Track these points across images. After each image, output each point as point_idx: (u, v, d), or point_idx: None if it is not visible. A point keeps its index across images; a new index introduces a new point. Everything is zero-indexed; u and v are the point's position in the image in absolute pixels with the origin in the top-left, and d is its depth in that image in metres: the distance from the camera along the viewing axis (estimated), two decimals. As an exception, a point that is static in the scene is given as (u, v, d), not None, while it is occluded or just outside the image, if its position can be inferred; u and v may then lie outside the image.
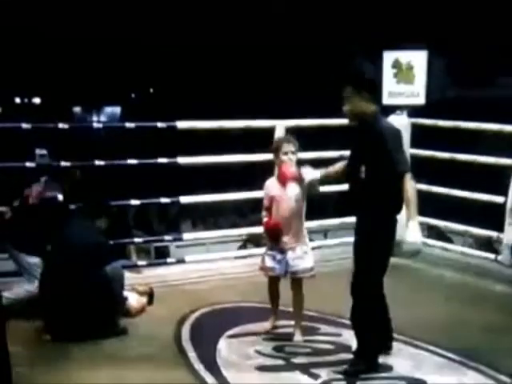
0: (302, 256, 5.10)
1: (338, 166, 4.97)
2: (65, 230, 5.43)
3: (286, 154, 5.11)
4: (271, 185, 5.26)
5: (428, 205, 5.85)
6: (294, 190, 5.10)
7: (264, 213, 5.25)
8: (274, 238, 5.16)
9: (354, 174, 4.60)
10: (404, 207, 4.41)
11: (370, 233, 4.56)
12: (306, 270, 5.12)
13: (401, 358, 4.85)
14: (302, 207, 5.18)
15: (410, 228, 4.27)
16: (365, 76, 4.69)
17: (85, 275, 5.18)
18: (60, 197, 5.51)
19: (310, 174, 5.00)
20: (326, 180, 5.11)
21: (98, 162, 6.61)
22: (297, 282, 5.18)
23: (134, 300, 5.79)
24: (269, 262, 5.19)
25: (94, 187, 6.96)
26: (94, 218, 5.55)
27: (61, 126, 6.49)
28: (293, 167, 5.11)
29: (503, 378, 4.62)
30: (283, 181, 5.13)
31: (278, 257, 5.12)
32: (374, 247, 4.56)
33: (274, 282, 5.29)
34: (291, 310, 5.29)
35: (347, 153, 4.89)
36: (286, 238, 5.09)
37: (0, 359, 3.89)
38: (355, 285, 4.62)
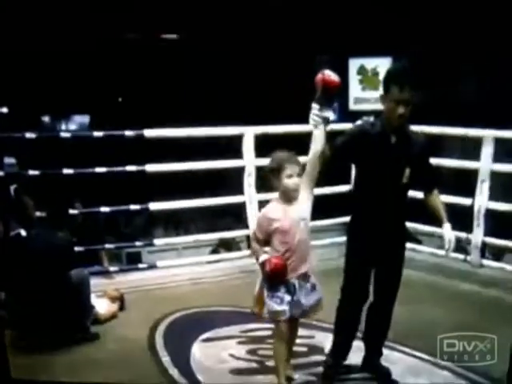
0: (313, 289, 4.36)
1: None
2: (26, 238, 5.39)
3: (290, 176, 4.19)
4: (273, 211, 4.29)
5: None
6: (299, 210, 4.26)
7: (257, 246, 4.34)
8: (278, 280, 4.25)
9: (395, 177, 4.39)
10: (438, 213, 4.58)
11: (403, 239, 4.67)
12: (319, 302, 4.43)
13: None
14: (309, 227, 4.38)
15: (448, 228, 4.48)
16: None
17: (48, 281, 5.17)
18: (23, 232, 5.41)
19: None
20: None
21: (66, 171, 6.60)
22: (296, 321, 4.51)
23: (102, 307, 5.78)
24: (276, 306, 4.28)
25: (56, 197, 6.94)
26: (55, 229, 5.52)
27: (28, 135, 6.47)
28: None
29: (475, 377, 4.68)
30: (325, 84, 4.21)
31: (287, 298, 4.26)
32: (404, 249, 4.71)
33: (284, 331, 4.38)
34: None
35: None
36: (293, 274, 4.26)
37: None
38: (393, 291, 4.69)
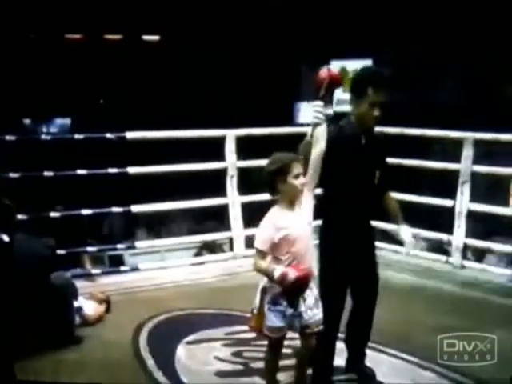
0: (316, 303, 4.00)
1: None
2: (8, 243, 5.34)
3: (297, 176, 3.84)
4: (277, 218, 3.88)
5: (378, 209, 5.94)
6: (304, 214, 3.93)
7: (263, 263, 3.85)
8: (303, 288, 3.91)
9: (368, 179, 4.38)
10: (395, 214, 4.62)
11: (373, 240, 4.68)
12: (320, 321, 4.04)
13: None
14: None
15: (405, 229, 4.50)
16: None
17: (30, 286, 5.12)
18: (5, 237, 5.33)
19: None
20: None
21: (47, 173, 6.58)
22: (310, 336, 4.04)
23: (90, 309, 5.76)
24: (277, 322, 3.91)
25: (37, 200, 6.92)
26: (36, 233, 5.49)
27: (8, 137, 6.44)
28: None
29: (458, 377, 4.68)
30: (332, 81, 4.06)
31: (289, 311, 3.90)
32: (375, 250, 4.69)
33: (279, 345, 4.08)
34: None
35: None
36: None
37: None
38: (374, 292, 4.64)
